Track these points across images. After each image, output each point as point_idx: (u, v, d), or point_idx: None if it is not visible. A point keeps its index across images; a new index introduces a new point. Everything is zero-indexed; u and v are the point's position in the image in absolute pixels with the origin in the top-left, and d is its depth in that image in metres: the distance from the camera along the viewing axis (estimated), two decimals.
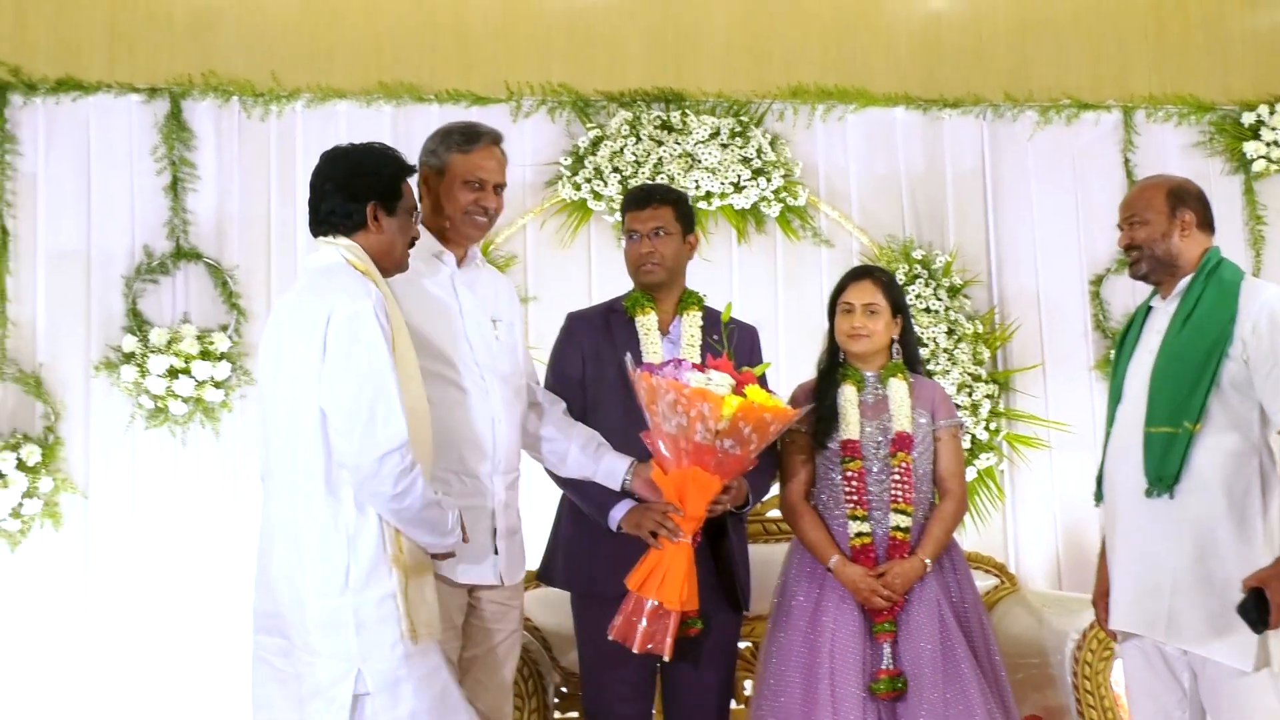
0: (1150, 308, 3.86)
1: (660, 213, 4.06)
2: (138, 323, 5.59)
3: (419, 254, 3.75)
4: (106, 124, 5.67)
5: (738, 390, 3.66)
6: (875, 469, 4.04)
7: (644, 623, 3.72)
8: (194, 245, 5.67)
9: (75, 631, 5.49)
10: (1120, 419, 3.79)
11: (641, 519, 3.82)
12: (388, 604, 3.25)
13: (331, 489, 3.27)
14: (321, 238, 3.44)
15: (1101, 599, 3.90)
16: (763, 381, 3.79)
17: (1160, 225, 3.79)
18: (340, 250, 3.39)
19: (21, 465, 5.45)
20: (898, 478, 4.01)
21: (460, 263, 3.82)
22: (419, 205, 3.53)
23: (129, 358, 5.54)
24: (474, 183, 3.77)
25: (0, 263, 5.58)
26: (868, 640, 3.94)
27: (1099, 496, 3.87)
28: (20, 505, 5.45)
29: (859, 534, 3.98)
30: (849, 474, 4.02)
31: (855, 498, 4.01)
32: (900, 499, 3.99)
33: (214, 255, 5.67)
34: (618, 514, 3.89)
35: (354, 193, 3.42)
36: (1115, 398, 3.83)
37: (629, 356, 3.87)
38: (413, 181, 3.51)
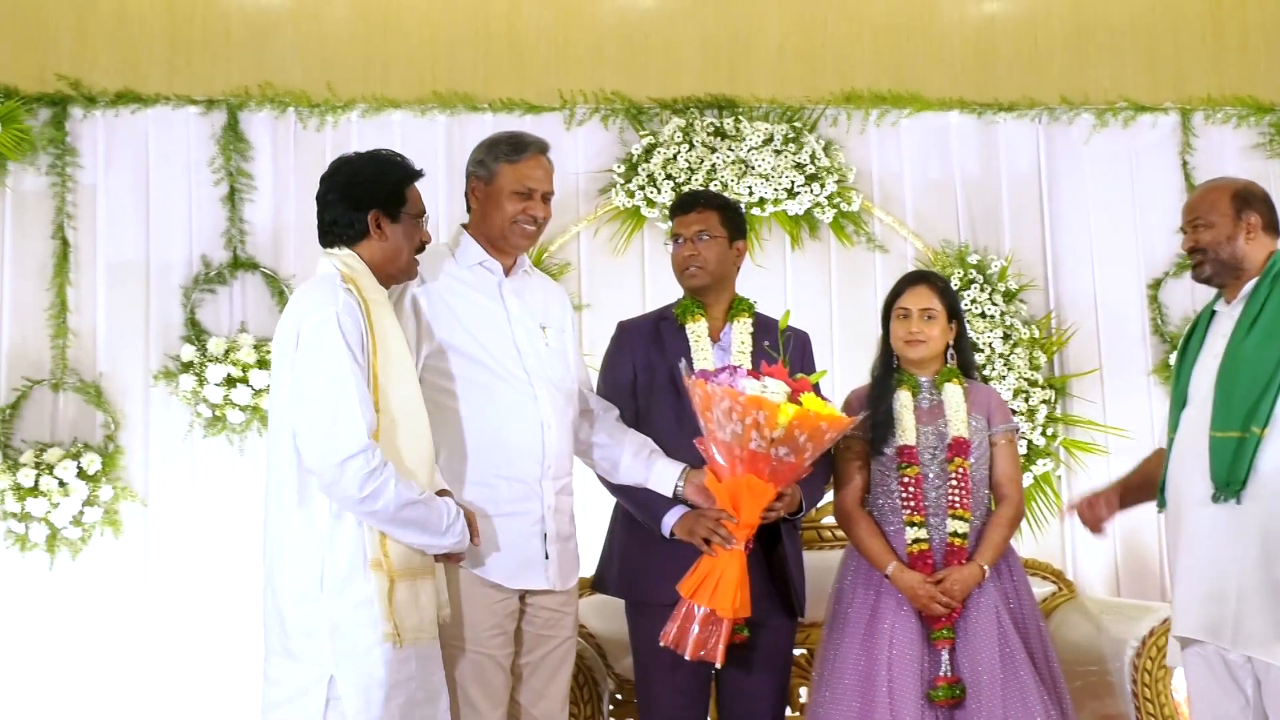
0: (1214, 312, 3.85)
1: (704, 217, 4.10)
2: (196, 332, 5.68)
3: (466, 263, 3.81)
4: (165, 136, 5.79)
5: (793, 398, 3.67)
6: (932, 474, 4.04)
7: (696, 629, 3.74)
8: (251, 255, 5.76)
9: (135, 638, 5.58)
10: (1184, 424, 3.77)
11: (694, 525, 3.85)
12: (364, 609, 3.28)
13: (304, 497, 3.32)
14: (326, 249, 3.49)
15: (1085, 500, 3.93)
16: (817, 389, 3.80)
17: (1225, 228, 3.78)
18: (334, 262, 3.44)
19: (82, 474, 5.55)
20: (955, 483, 4.01)
21: (508, 271, 3.87)
22: (425, 210, 3.56)
23: (187, 367, 5.63)
24: (522, 192, 3.81)
25: (61, 273, 5.68)
26: (926, 647, 3.94)
27: (1162, 503, 3.85)
28: (81, 513, 5.55)
29: (916, 540, 3.98)
30: (905, 479, 4.03)
31: (912, 504, 4.01)
32: (957, 505, 4.00)
33: (270, 265, 5.76)
34: (670, 520, 3.92)
35: (356, 201, 3.46)
36: (1179, 403, 3.81)
37: (683, 362, 3.90)
38: (422, 186, 3.54)
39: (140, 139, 5.77)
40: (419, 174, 3.54)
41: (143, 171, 5.77)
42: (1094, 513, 4.02)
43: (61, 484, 5.50)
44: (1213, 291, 3.90)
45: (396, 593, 3.30)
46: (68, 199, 5.72)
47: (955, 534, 3.98)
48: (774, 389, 3.67)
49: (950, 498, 4.00)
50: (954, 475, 4.01)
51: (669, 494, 3.88)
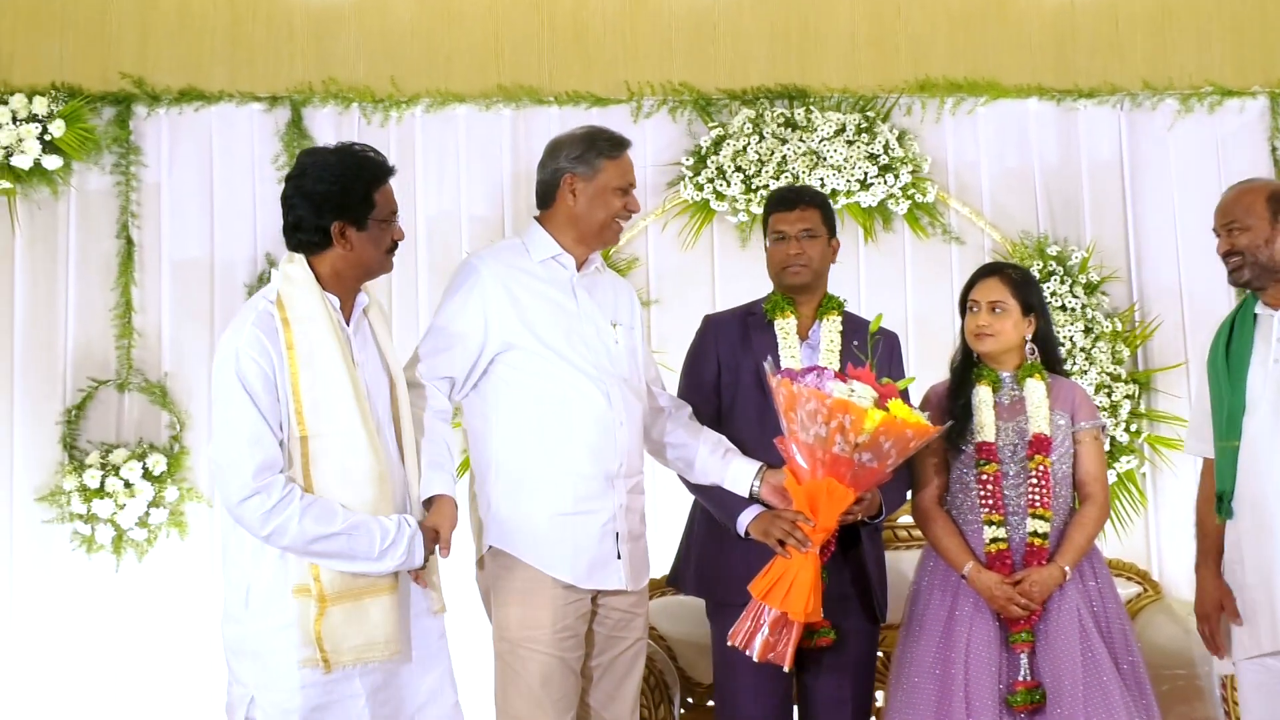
0: (1256, 315, 3.83)
1: (808, 214, 4.14)
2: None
3: (539, 256, 3.86)
4: (228, 133, 5.86)
5: (880, 404, 3.68)
6: (1012, 472, 4.04)
7: (765, 631, 3.76)
8: None
9: (201, 641, 5.64)
10: (1253, 431, 3.75)
11: (770, 526, 3.86)
12: (285, 633, 3.33)
13: (233, 522, 3.41)
14: (288, 255, 3.51)
15: (1215, 612, 3.88)
16: (904, 395, 3.80)
17: (1263, 231, 3.83)
18: (282, 273, 3.46)
19: (148, 474, 5.63)
20: (1035, 481, 4.00)
21: (580, 267, 3.91)
22: (396, 209, 3.56)
23: None
24: (624, 187, 3.89)
25: (126, 273, 5.77)
26: (1004, 650, 3.94)
27: (1226, 512, 3.83)
28: (147, 514, 5.63)
29: (994, 540, 3.98)
30: (984, 477, 4.02)
31: (991, 502, 4.01)
32: (1038, 503, 3.98)
33: None
34: (746, 519, 3.94)
35: (318, 210, 3.43)
36: (1238, 409, 3.79)
37: (768, 361, 3.93)
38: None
39: (204, 136, 5.85)
40: (390, 172, 3.53)
41: (206, 169, 5.84)
42: (1214, 640, 4.01)
43: (127, 485, 5.60)
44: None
45: (329, 616, 3.33)
46: (132, 198, 5.81)
47: (1035, 534, 3.97)
48: (861, 393, 3.68)
49: (1030, 496, 4.00)
50: (1034, 473, 4.00)
51: (745, 494, 3.90)
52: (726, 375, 4.13)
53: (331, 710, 3.40)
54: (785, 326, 4.13)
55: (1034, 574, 3.93)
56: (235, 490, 3.31)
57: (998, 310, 4.10)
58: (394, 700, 3.49)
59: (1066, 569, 3.96)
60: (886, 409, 3.68)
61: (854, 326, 4.18)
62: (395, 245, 3.57)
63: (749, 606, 3.80)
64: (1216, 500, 3.90)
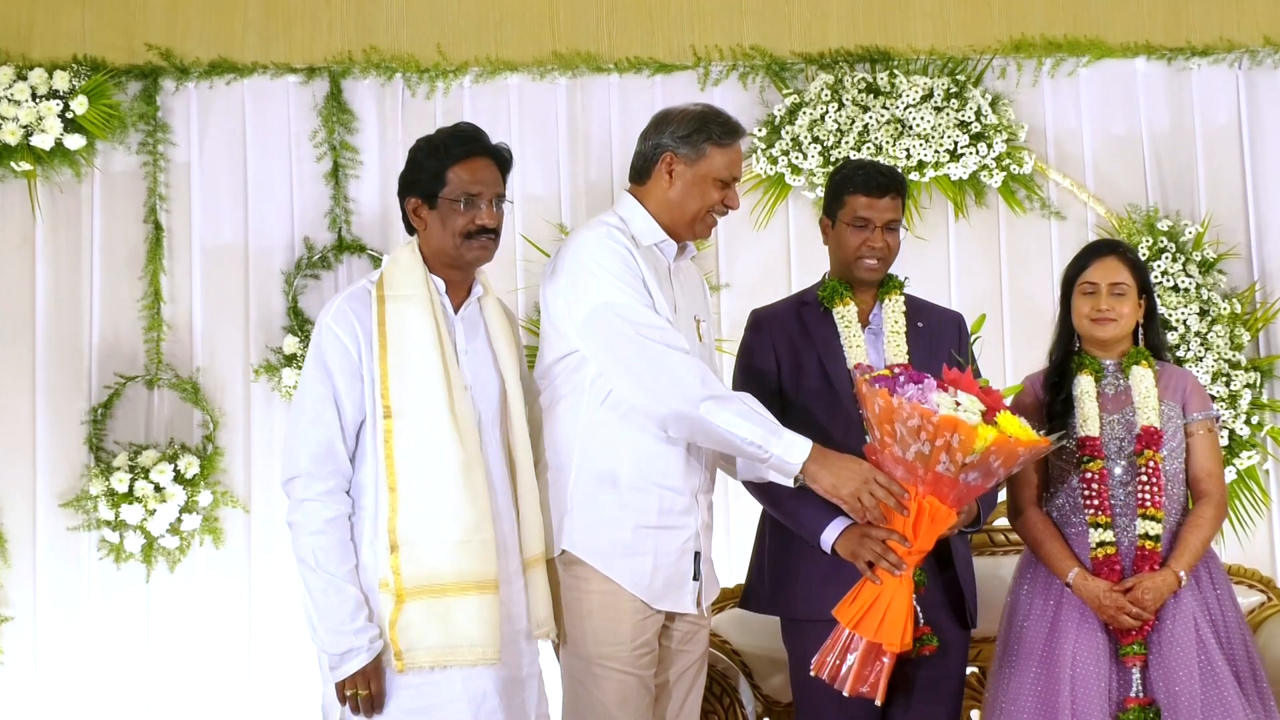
0: None
1: (897, 204, 4.11)
2: (299, 322, 5.79)
3: (645, 239, 3.85)
4: (262, 108, 5.90)
5: (988, 417, 3.65)
6: (1119, 470, 4.01)
7: (854, 662, 3.75)
8: (357, 236, 5.85)
9: (238, 657, 5.70)
10: None
11: (859, 548, 3.83)
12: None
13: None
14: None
15: None
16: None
17: None
18: (392, 256, 3.67)
19: (179, 478, 5.67)
20: (1145, 479, 3.98)
21: (676, 255, 3.92)
22: (474, 192, 3.61)
23: (290, 360, 5.73)
24: (726, 180, 3.87)
25: (154, 260, 5.82)
26: (1114, 665, 3.92)
27: None
28: (179, 521, 5.67)
29: (1101, 543, 3.96)
30: (1088, 475, 4.00)
31: (1096, 502, 3.99)
32: (1148, 503, 3.96)
33: (378, 247, 5.85)
34: (831, 535, 3.91)
35: (401, 185, 3.67)
36: None
37: (857, 366, 3.95)
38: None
39: (236, 112, 5.90)
40: (477, 151, 3.63)
41: (239, 147, 5.89)
42: None
43: (158, 489, 5.64)
44: None
45: (406, 613, 3.44)
46: (160, 179, 5.86)
47: (1146, 536, 3.95)
48: (967, 406, 3.65)
49: (1140, 495, 3.98)
50: (1144, 470, 3.98)
51: (789, 484, 3.78)
52: (788, 372, 4.10)
53: (431, 714, 3.50)
54: (845, 314, 4.10)
55: (1146, 580, 3.91)
56: (288, 465, 3.51)
57: (1119, 293, 4.07)
58: (504, 712, 3.56)
59: (1182, 574, 3.93)
60: (996, 423, 3.64)
61: (915, 307, 4.15)
62: (478, 232, 3.61)
63: (834, 634, 3.80)
64: None
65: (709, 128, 3.84)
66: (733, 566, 4.01)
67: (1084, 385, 4.06)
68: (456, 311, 3.66)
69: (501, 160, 3.71)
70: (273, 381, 5.78)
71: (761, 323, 4.22)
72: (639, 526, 3.74)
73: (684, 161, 3.84)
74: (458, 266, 3.64)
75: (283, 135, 5.89)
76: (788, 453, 3.66)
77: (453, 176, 3.58)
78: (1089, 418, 4.03)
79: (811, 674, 3.80)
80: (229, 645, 5.71)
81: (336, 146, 5.87)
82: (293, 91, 5.91)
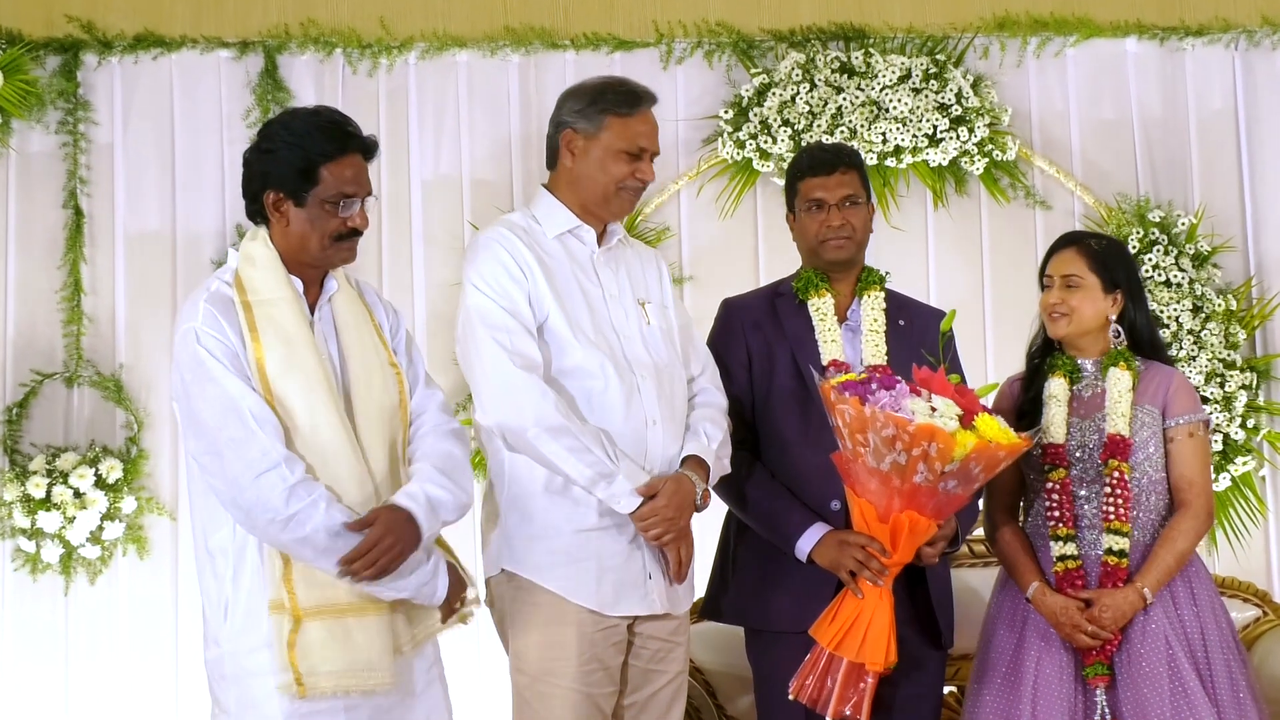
0: None
1: (849, 178, 4.16)
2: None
3: (553, 230, 3.91)
4: (192, 85, 5.90)
5: (966, 421, 3.68)
6: (1088, 479, 4.03)
7: (837, 684, 3.78)
8: None
9: (164, 675, 5.69)
10: None
11: (840, 556, 3.88)
12: (260, 655, 3.43)
13: (209, 531, 3.52)
14: (253, 229, 3.63)
15: None
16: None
17: None
18: (242, 251, 3.57)
19: (101, 483, 5.65)
20: (1110, 490, 3.99)
21: (600, 240, 3.92)
22: (350, 193, 3.56)
23: None
24: (633, 152, 3.89)
25: (74, 249, 5.81)
26: (1079, 686, 3.96)
27: None
28: (100, 529, 5.65)
29: (1063, 557, 4.00)
30: (1050, 485, 4.03)
31: (1058, 513, 4.01)
32: (1113, 516, 3.98)
33: None
34: (809, 543, 3.96)
35: (255, 174, 3.56)
36: None
37: (832, 364, 3.99)
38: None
39: (163, 89, 5.89)
40: (355, 149, 3.58)
41: (167, 127, 5.89)
42: None
43: (77, 495, 5.62)
44: None
45: (305, 634, 3.40)
46: (81, 161, 5.85)
47: (1110, 551, 3.97)
48: (943, 411, 3.67)
49: (1105, 508, 4.00)
50: (1109, 480, 3.99)
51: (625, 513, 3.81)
52: (759, 366, 4.15)
53: None
54: (821, 307, 4.13)
55: (1106, 597, 3.94)
56: (245, 468, 3.37)
57: (1071, 286, 4.11)
58: None
59: (1146, 592, 3.94)
60: (974, 427, 3.68)
61: (897, 304, 4.20)
62: (349, 235, 3.58)
63: (812, 654, 3.83)
64: None
65: (606, 98, 3.89)
66: (693, 574, 4.01)
67: (1054, 389, 4.09)
68: (313, 311, 3.61)
69: (371, 155, 3.67)
70: None
71: (732, 313, 4.26)
72: (578, 531, 3.76)
73: (583, 136, 3.89)
74: (318, 266, 3.61)
75: (214, 114, 5.89)
76: (614, 501, 3.72)
77: (327, 175, 3.51)
78: (1054, 423, 4.05)
79: (790, 698, 3.83)
80: (153, 664, 5.69)
81: None
82: (224, 67, 5.91)
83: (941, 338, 3.95)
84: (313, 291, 3.60)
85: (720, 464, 3.93)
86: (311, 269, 3.58)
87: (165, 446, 5.80)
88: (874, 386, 3.72)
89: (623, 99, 3.89)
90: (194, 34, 5.88)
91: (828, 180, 4.14)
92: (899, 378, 3.77)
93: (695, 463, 3.85)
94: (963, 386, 3.81)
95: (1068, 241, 4.22)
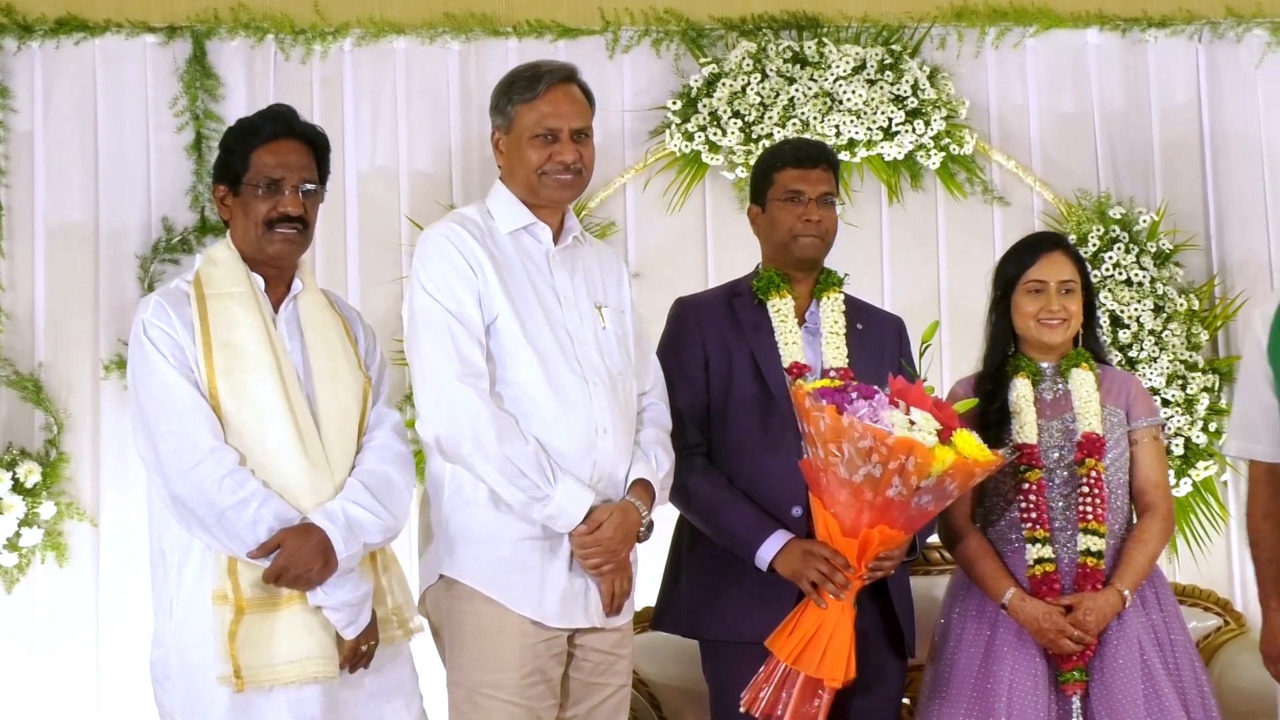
0: None
1: (828, 176, 4.27)
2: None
3: (506, 227, 3.94)
4: (116, 71, 5.87)
5: (944, 436, 3.75)
6: (1057, 480, 4.10)
7: (793, 699, 3.84)
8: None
9: (85, 687, 5.68)
10: None
11: (803, 567, 3.94)
12: (203, 648, 3.56)
13: (160, 525, 3.68)
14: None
15: None
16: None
17: None
18: (206, 253, 3.79)
19: (18, 487, 5.62)
20: (1086, 490, 4.07)
21: (556, 236, 3.96)
22: (277, 177, 3.73)
23: None
24: (544, 135, 3.93)
25: None
26: (1053, 693, 4.02)
27: None
28: (17, 535, 5.61)
29: (1039, 560, 4.07)
30: (1026, 486, 4.09)
31: (1034, 515, 4.09)
32: (1090, 516, 4.06)
33: None
34: (770, 552, 4.03)
35: (214, 173, 3.82)
36: None
37: (794, 366, 4.06)
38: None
39: (86, 75, 5.85)
40: (279, 132, 3.75)
41: (90, 115, 5.84)
42: None
43: None
44: None
45: (245, 626, 3.54)
46: None
47: (1088, 552, 4.05)
48: (922, 424, 3.73)
49: (1081, 508, 4.07)
50: (1085, 480, 4.06)
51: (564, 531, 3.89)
52: (717, 368, 4.20)
53: None
54: (781, 308, 4.19)
55: (1088, 600, 4.02)
56: (179, 462, 3.54)
57: (1068, 291, 4.18)
58: None
59: (1126, 594, 4.04)
60: (952, 442, 3.74)
61: (856, 308, 4.28)
62: (280, 220, 3.72)
63: (767, 666, 3.90)
64: None
65: (511, 89, 3.98)
66: (640, 584, 4.06)
67: (1021, 389, 4.17)
68: (277, 311, 3.76)
69: (314, 144, 3.82)
70: (125, 379, 5.73)
71: (687, 312, 4.32)
72: (521, 539, 3.82)
73: (502, 131, 3.99)
74: (261, 260, 3.74)
75: (139, 102, 5.85)
76: (551, 522, 3.80)
77: (256, 160, 3.71)
78: (1026, 424, 4.14)
79: (742, 710, 3.90)
80: (73, 675, 5.68)
81: (200, 115, 5.84)
82: (150, 53, 5.87)
83: (921, 348, 4.01)
84: (277, 290, 3.76)
85: (663, 493, 4.00)
86: (270, 267, 3.72)
87: (86, 449, 5.76)
88: (853, 396, 3.78)
89: (525, 84, 3.96)
90: (119, 18, 5.83)
91: (810, 174, 4.22)
92: (876, 388, 3.83)
93: (643, 488, 3.92)
94: (940, 400, 3.88)
95: (1054, 244, 4.30)
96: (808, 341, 4.20)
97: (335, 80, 5.93)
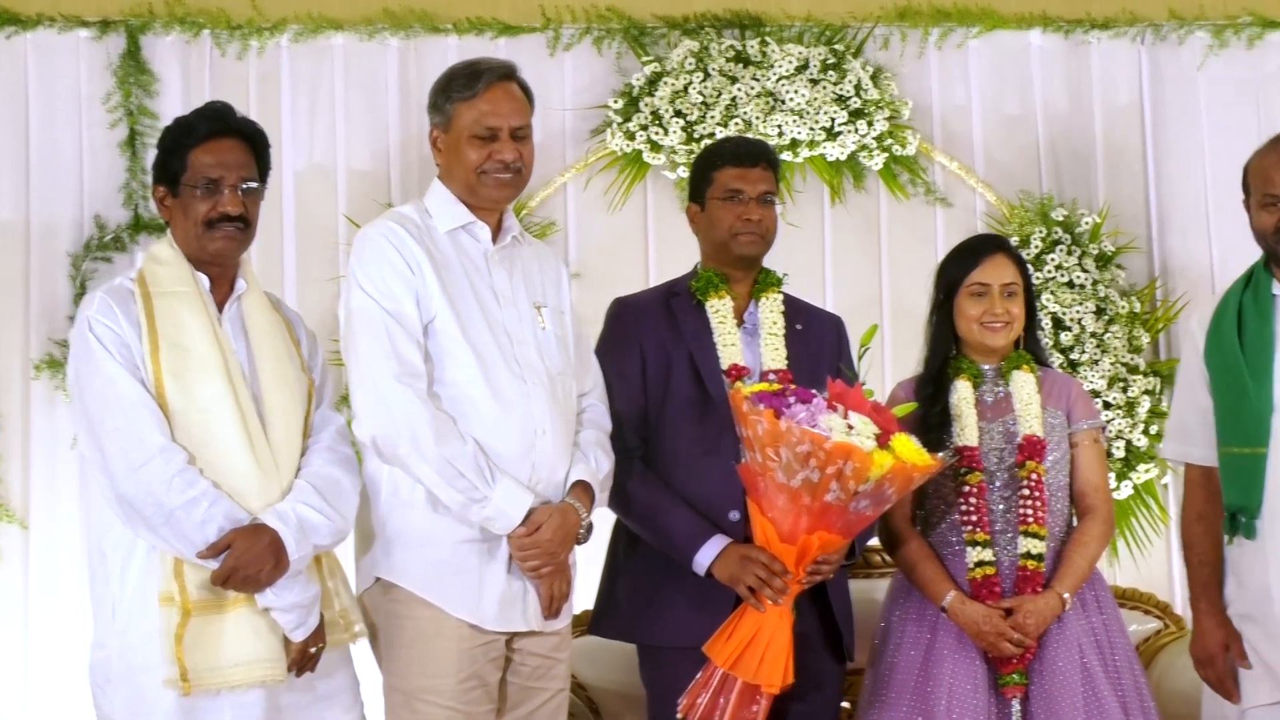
0: (1274, 297, 3.99)
1: (769, 176, 4.29)
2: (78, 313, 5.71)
3: (445, 226, 3.96)
4: (48, 66, 5.85)
5: (882, 440, 3.76)
6: (998, 483, 4.13)
7: (731, 705, 3.85)
8: (156, 215, 5.76)
9: (13, 694, 5.65)
10: None
11: (740, 572, 3.96)
12: (148, 649, 3.55)
13: (100, 527, 3.67)
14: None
15: (1220, 653, 4.00)
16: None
17: None
18: (149, 251, 3.81)
19: None
20: (1027, 492, 4.10)
21: (495, 236, 3.96)
22: (215, 176, 3.73)
23: None
24: (483, 135, 3.94)
25: None
26: (993, 696, 4.05)
27: (1249, 531, 3.97)
28: None
29: (980, 563, 4.10)
30: (967, 489, 4.12)
31: (974, 518, 4.11)
32: (1031, 519, 4.09)
33: None
34: (708, 557, 4.04)
35: (154, 174, 3.82)
36: (1266, 409, 3.93)
37: (732, 368, 4.07)
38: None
39: (17, 70, 5.83)
40: (217, 131, 3.75)
41: (21, 111, 5.83)
42: (1224, 685, 4.16)
43: None
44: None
45: (192, 627, 3.53)
46: None
47: (1028, 555, 4.08)
48: (860, 429, 3.75)
49: (1022, 511, 4.10)
50: (1026, 483, 4.10)
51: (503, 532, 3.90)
52: (655, 369, 4.21)
53: None
54: (720, 309, 4.21)
55: (1029, 603, 4.05)
56: (126, 461, 3.53)
57: (1011, 294, 4.21)
58: None
59: (1066, 596, 4.07)
60: (890, 447, 3.76)
61: (795, 308, 4.30)
62: (220, 220, 3.72)
63: (705, 671, 3.91)
64: (1230, 518, 4.03)
65: (450, 86, 3.98)
66: (579, 587, 4.06)
67: (962, 391, 4.20)
68: (221, 310, 3.77)
69: (253, 141, 3.82)
70: (56, 379, 5.72)
71: (625, 313, 4.33)
72: (460, 542, 3.82)
73: (440, 130, 4.00)
74: (203, 259, 3.74)
75: (72, 98, 5.84)
76: (489, 524, 3.81)
77: (194, 160, 3.71)
78: (967, 426, 4.17)
79: (680, 716, 3.91)
80: (2, 677, 5.66)
81: (134, 111, 5.83)
82: (84, 48, 5.86)
83: (860, 351, 4.03)
84: (221, 290, 3.76)
85: (603, 495, 4.01)
86: (213, 266, 3.72)
87: (16, 450, 5.74)
88: (791, 400, 3.79)
89: (464, 82, 3.96)
90: (51, 12, 5.81)
91: (750, 172, 4.24)
92: (814, 391, 3.85)
93: (582, 489, 3.94)
94: (879, 404, 3.90)
95: (997, 246, 4.33)
96: (746, 342, 4.22)
97: (272, 77, 5.92)
